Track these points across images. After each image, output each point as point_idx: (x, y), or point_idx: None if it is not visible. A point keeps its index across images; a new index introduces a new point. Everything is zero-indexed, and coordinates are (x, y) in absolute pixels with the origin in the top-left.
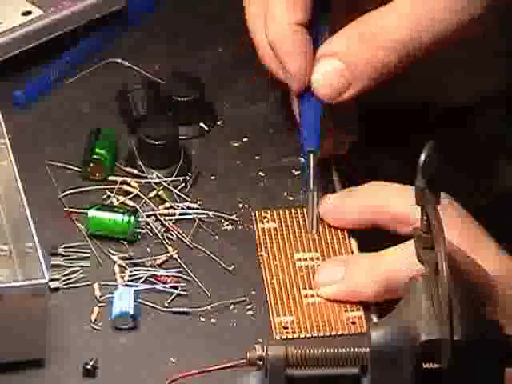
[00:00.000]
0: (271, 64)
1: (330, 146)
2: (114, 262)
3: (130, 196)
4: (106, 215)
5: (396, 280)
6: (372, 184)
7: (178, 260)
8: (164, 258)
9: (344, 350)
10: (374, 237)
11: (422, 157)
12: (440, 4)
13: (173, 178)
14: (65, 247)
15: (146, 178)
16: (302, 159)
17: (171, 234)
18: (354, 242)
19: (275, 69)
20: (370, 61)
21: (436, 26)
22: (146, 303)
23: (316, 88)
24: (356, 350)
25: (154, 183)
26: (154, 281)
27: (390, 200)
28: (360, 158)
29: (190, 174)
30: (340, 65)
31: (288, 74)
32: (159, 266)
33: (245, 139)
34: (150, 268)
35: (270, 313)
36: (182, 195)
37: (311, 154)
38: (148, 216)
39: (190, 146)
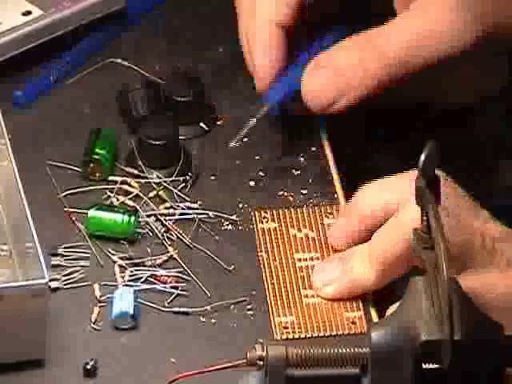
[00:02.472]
0: (245, 55)
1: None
2: (114, 262)
3: (130, 196)
4: (106, 215)
5: (393, 259)
6: (364, 189)
7: (178, 260)
8: (164, 258)
9: (344, 350)
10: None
11: (422, 157)
12: (439, 26)
13: (173, 178)
14: (65, 247)
15: (146, 177)
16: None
17: (171, 234)
18: None
19: (247, 60)
20: (363, 74)
21: (433, 47)
22: (146, 303)
23: (307, 98)
24: (356, 350)
25: (154, 183)
26: (154, 281)
27: (365, 199)
28: (360, 157)
29: (190, 174)
30: (332, 77)
31: (258, 68)
32: (159, 265)
33: (245, 139)
34: (150, 268)
35: (270, 313)
36: (182, 195)
37: (269, 105)
38: (148, 216)
39: (190, 146)
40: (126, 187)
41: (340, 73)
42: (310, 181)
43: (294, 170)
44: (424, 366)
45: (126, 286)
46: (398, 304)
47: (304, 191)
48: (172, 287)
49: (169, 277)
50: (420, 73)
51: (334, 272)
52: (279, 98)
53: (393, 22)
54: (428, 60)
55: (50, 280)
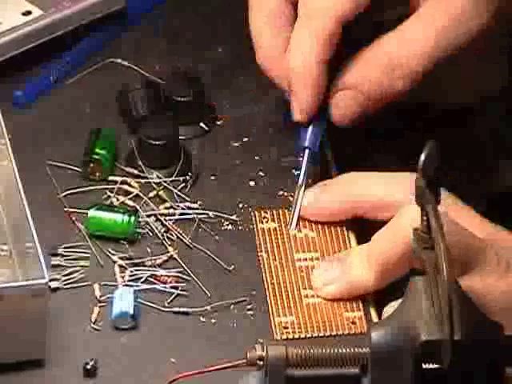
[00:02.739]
0: (273, 72)
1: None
2: (114, 262)
3: (130, 196)
4: (106, 215)
5: (391, 261)
6: (347, 175)
7: (178, 260)
8: (164, 258)
9: (344, 350)
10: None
11: (422, 157)
12: (457, 16)
13: (173, 178)
14: (65, 247)
15: (146, 177)
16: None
17: (171, 234)
18: (353, 242)
19: (275, 78)
20: (390, 90)
21: (454, 44)
22: (146, 303)
23: (335, 118)
24: (356, 350)
25: (154, 183)
26: (154, 281)
27: (370, 188)
28: (360, 157)
29: (190, 174)
30: (358, 98)
31: (297, 102)
32: (159, 265)
33: (245, 139)
34: (150, 268)
35: (270, 313)
36: (182, 195)
37: (306, 150)
38: (148, 216)
39: (190, 146)
40: (126, 187)
41: (365, 93)
42: (310, 181)
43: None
44: (424, 365)
45: (126, 285)
46: (394, 303)
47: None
48: (172, 287)
49: (169, 277)
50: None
51: (333, 273)
52: (317, 137)
53: (406, 27)
54: (449, 54)
55: (50, 280)
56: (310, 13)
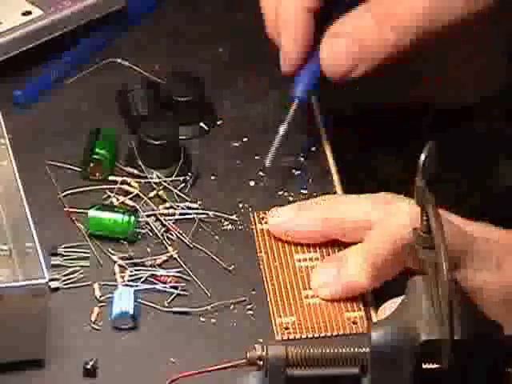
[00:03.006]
0: (273, 35)
1: None
2: (114, 262)
3: (130, 196)
4: (106, 215)
5: (382, 260)
6: (322, 197)
7: (178, 260)
8: (164, 258)
9: (344, 350)
10: None
11: (422, 157)
12: None
13: (173, 178)
14: (65, 247)
15: (146, 177)
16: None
17: (171, 234)
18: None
19: (276, 40)
20: (382, 43)
21: (450, 12)
22: (146, 303)
23: (325, 66)
24: (356, 350)
25: (154, 183)
26: (154, 281)
27: (347, 211)
28: (360, 158)
29: (189, 174)
30: (351, 46)
31: (284, 52)
32: (159, 265)
33: (245, 139)
34: (149, 268)
35: (271, 314)
36: (182, 195)
37: (296, 99)
38: (148, 216)
39: (190, 146)
40: (126, 187)
41: (357, 41)
42: (310, 181)
43: (293, 170)
44: (424, 365)
45: (126, 285)
46: (390, 302)
47: (304, 191)
48: (172, 287)
49: (169, 277)
50: (433, 39)
51: (330, 273)
52: (305, 86)
53: None
54: (443, 24)
55: (50, 280)
56: None
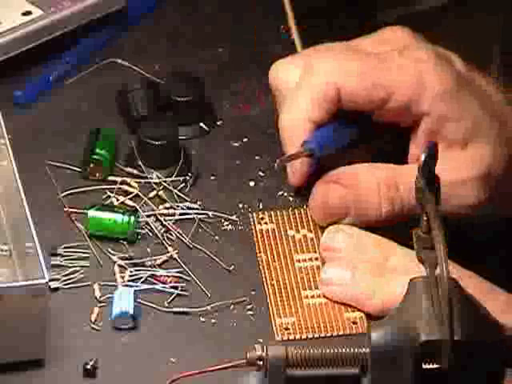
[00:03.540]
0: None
1: None
2: (114, 262)
3: (130, 196)
4: (106, 215)
5: (395, 299)
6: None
7: (178, 260)
8: (164, 258)
9: (344, 350)
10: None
11: (422, 157)
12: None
13: (173, 178)
14: (65, 247)
15: (146, 177)
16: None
17: (171, 234)
18: None
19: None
20: (381, 212)
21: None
22: (146, 303)
23: (312, 208)
24: (356, 350)
25: (154, 183)
26: (154, 281)
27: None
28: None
29: (190, 174)
30: (345, 197)
31: (293, 166)
32: (159, 266)
33: (245, 139)
34: (149, 268)
35: (271, 314)
36: (182, 195)
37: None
38: (148, 216)
39: (190, 146)
40: (125, 187)
41: (357, 197)
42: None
43: None
44: (424, 365)
45: (126, 286)
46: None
47: (304, 191)
48: (172, 287)
49: (169, 277)
50: None
51: (343, 276)
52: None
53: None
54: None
55: (50, 280)
56: (309, 71)
